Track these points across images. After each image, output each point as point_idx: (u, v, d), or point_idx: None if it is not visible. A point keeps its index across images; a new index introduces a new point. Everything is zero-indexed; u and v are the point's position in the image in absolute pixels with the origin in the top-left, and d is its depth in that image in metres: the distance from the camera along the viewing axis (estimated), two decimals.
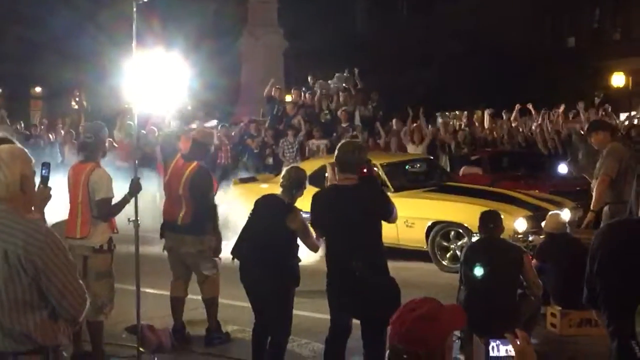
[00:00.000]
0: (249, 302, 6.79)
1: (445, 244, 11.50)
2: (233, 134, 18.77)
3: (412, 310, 3.07)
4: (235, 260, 6.80)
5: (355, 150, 6.03)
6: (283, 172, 6.86)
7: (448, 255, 11.48)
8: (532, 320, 7.74)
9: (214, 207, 7.85)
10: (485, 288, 7.19)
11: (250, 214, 6.78)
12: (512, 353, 3.63)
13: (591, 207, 9.03)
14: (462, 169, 15.85)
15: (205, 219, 7.76)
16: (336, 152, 6.04)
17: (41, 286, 3.57)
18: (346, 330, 6.05)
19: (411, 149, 16.41)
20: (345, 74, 21.31)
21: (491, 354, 3.77)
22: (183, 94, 8.45)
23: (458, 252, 11.19)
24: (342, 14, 38.36)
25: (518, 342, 3.02)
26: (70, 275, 3.64)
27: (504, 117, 19.41)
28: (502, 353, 3.73)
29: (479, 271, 7.24)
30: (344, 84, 20.20)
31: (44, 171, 4.05)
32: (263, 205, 6.77)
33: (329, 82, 20.78)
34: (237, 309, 8.33)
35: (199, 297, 8.10)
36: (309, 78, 21.76)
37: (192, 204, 7.71)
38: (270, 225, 6.51)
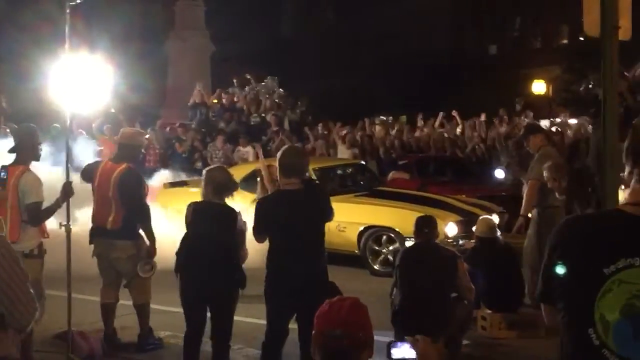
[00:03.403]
0: (186, 309, 6.67)
1: (376, 247, 11.58)
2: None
3: (342, 300, 3.14)
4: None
5: (299, 155, 6.05)
6: (209, 176, 6.67)
7: (379, 260, 11.56)
8: (465, 324, 7.85)
9: (146, 209, 7.66)
10: (420, 291, 7.26)
11: (191, 222, 6.65)
12: (414, 356, 3.71)
13: (521, 212, 9.21)
14: (390, 174, 15.98)
15: (135, 223, 7.58)
16: (279, 157, 6.03)
17: None
18: (284, 334, 6.06)
19: (342, 152, 16.50)
20: (269, 78, 21.33)
21: (393, 356, 3.86)
22: (108, 96, 8.26)
23: (390, 257, 11.32)
24: (268, 18, 38.34)
25: (420, 345, 3.07)
26: (22, 284, 3.55)
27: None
28: (404, 355, 3.82)
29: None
30: (274, 88, 20.19)
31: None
32: (205, 213, 6.64)
33: (262, 84, 20.73)
34: (168, 315, 8.23)
35: (130, 302, 7.96)
36: (234, 81, 21.65)
37: (122, 207, 7.51)
38: (219, 233, 6.46)
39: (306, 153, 6.60)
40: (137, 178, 7.70)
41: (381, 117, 29.60)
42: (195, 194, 9.32)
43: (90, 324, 8.02)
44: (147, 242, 7.61)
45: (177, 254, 6.75)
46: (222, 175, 6.72)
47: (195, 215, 6.65)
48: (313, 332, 3.08)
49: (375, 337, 3.04)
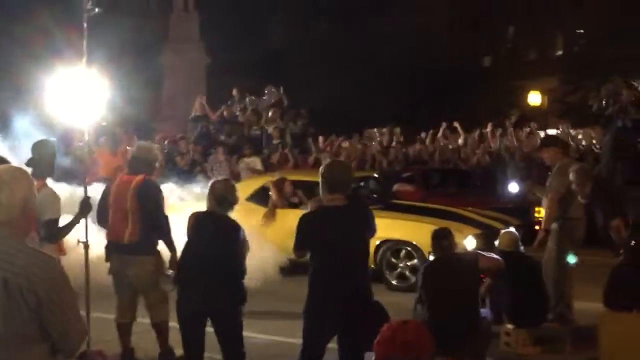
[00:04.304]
0: (181, 326, 6.47)
1: (394, 260, 11.33)
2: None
3: (404, 324, 3.07)
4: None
5: (344, 170, 5.88)
6: (211, 187, 6.55)
7: (395, 273, 11.33)
8: (488, 338, 7.70)
9: (167, 220, 7.38)
10: (448, 306, 7.09)
11: (193, 234, 6.47)
12: None
13: (542, 226, 9.05)
14: (395, 186, 15.81)
15: (154, 236, 7.32)
16: (323, 172, 5.84)
17: (43, 320, 3.25)
18: (322, 354, 5.85)
19: None
20: (269, 90, 21.14)
21: None
22: (102, 108, 8.09)
23: (407, 272, 11.16)
24: (261, 29, 38.22)
25: None
26: (74, 308, 3.36)
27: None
28: None
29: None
30: (275, 100, 20.01)
31: None
32: (208, 225, 6.46)
33: (259, 98, 20.56)
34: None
35: (146, 320, 7.72)
36: (234, 92, 21.42)
37: (140, 220, 7.24)
38: (222, 246, 6.30)
39: (351, 168, 6.39)
40: (156, 188, 7.48)
41: (374, 129, 29.55)
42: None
43: (106, 343, 7.78)
44: (169, 254, 7.35)
45: (178, 265, 6.64)
46: (222, 187, 6.57)
47: (197, 225, 6.49)
48: (374, 357, 2.95)
49: None
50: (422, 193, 15.32)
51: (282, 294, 10.00)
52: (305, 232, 5.82)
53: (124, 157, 17.17)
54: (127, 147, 17.59)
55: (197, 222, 6.50)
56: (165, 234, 7.35)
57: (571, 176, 8.44)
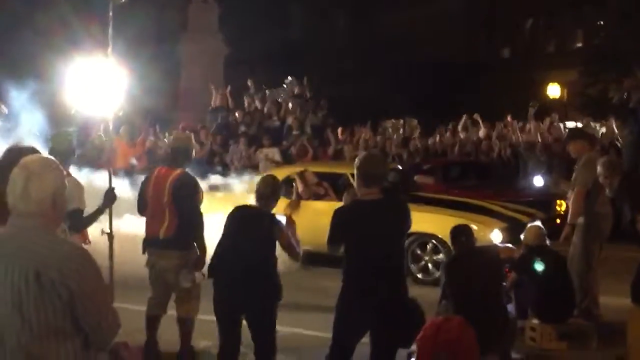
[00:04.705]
0: (221, 320, 6.48)
1: (419, 252, 11.20)
2: None
3: (448, 321, 3.02)
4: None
5: (380, 163, 5.79)
6: (259, 182, 6.61)
7: (419, 266, 11.21)
8: (514, 334, 7.64)
9: (200, 217, 7.28)
10: (472, 302, 7.01)
11: (227, 227, 6.46)
12: None
13: (568, 220, 8.94)
14: (414, 179, 15.69)
15: (189, 231, 7.24)
16: (358, 165, 5.72)
17: (75, 312, 3.22)
18: (352, 351, 5.73)
19: None
20: (290, 81, 21.05)
21: None
22: (120, 99, 8.04)
23: (430, 265, 11.08)
24: (280, 21, 38.14)
25: None
26: (106, 300, 3.32)
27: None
28: None
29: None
30: (295, 91, 19.91)
31: None
32: (244, 218, 6.46)
33: (279, 88, 20.48)
34: (206, 324, 7.94)
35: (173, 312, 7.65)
36: (249, 83, 21.36)
37: (176, 215, 7.17)
38: (256, 239, 6.26)
39: (386, 160, 6.31)
40: (193, 183, 7.35)
41: (392, 120, 29.46)
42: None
43: (128, 334, 7.72)
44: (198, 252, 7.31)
45: (211, 258, 6.60)
46: (264, 185, 6.56)
47: (233, 219, 6.49)
48: (416, 354, 2.89)
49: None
50: (442, 185, 15.21)
51: (304, 285, 9.95)
52: (340, 226, 5.70)
53: (143, 148, 17.20)
54: (148, 138, 17.64)
55: (232, 214, 6.51)
56: (197, 230, 7.26)
57: (599, 169, 8.32)
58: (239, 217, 6.50)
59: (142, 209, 7.50)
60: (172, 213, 7.20)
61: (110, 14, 7.11)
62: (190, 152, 7.65)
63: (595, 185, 8.65)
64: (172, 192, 7.18)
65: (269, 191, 6.47)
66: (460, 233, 7.73)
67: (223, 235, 6.52)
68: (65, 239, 3.39)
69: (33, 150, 4.29)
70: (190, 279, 7.23)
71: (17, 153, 4.75)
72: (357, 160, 5.79)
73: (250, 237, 6.28)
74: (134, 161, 16.19)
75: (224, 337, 6.51)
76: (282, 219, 6.51)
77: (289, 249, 6.40)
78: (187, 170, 7.41)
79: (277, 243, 6.35)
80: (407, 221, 5.79)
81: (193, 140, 8.08)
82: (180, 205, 7.17)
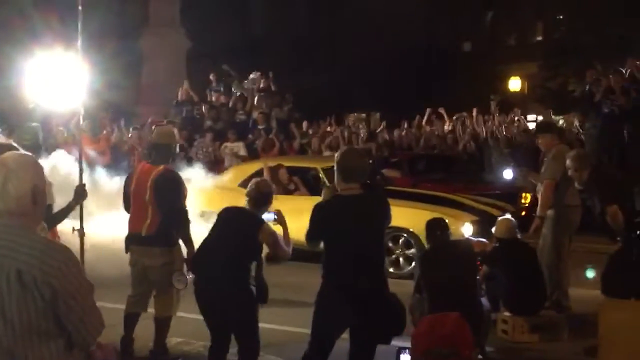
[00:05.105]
0: (207, 320, 6.41)
1: (391, 246, 11.15)
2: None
3: (444, 317, 3.04)
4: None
5: (359, 157, 5.75)
6: (251, 185, 6.57)
7: (390, 260, 11.13)
8: (487, 327, 7.66)
9: (185, 213, 7.14)
10: (446, 294, 7.02)
11: (214, 227, 6.43)
12: None
13: (537, 213, 9.00)
14: (382, 172, 15.70)
15: (172, 229, 7.12)
16: (338, 160, 5.67)
17: (58, 312, 3.15)
18: (331, 347, 5.68)
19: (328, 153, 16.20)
20: (254, 76, 20.93)
21: None
22: (82, 93, 7.92)
23: (401, 259, 11.10)
24: (242, 14, 37.97)
25: None
26: (89, 299, 3.24)
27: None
28: None
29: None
30: (260, 85, 19.81)
31: None
32: (230, 219, 6.46)
33: (244, 82, 20.36)
34: (178, 320, 7.88)
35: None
36: (210, 77, 21.24)
37: (159, 212, 7.06)
38: (241, 240, 6.25)
39: (366, 155, 6.26)
40: (176, 179, 7.20)
41: (355, 114, 29.49)
42: None
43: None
44: (185, 249, 7.20)
45: (193, 256, 6.63)
46: (256, 190, 6.54)
47: (218, 219, 6.51)
48: (413, 350, 2.88)
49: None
50: (410, 179, 15.25)
51: (282, 281, 9.90)
52: (319, 221, 5.64)
53: (107, 143, 17.01)
54: (113, 133, 17.45)
55: (219, 217, 6.50)
56: (181, 228, 7.15)
57: (568, 162, 8.38)
58: (224, 218, 6.50)
59: (127, 207, 7.40)
60: (155, 210, 7.09)
61: (80, 8, 6.98)
62: (173, 148, 7.56)
63: (565, 178, 8.70)
64: (154, 189, 7.07)
65: (257, 195, 6.46)
66: (436, 226, 7.75)
67: (208, 234, 6.51)
68: (46, 237, 3.31)
69: (9, 147, 4.19)
70: (184, 281, 7.09)
71: None
72: (337, 155, 5.75)
73: (237, 238, 6.26)
74: (92, 154, 15.94)
75: (211, 334, 6.47)
76: (271, 216, 6.51)
77: (275, 248, 6.36)
78: (169, 166, 7.31)
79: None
80: (387, 216, 5.76)
81: (176, 137, 7.98)
82: (162, 202, 7.06)
